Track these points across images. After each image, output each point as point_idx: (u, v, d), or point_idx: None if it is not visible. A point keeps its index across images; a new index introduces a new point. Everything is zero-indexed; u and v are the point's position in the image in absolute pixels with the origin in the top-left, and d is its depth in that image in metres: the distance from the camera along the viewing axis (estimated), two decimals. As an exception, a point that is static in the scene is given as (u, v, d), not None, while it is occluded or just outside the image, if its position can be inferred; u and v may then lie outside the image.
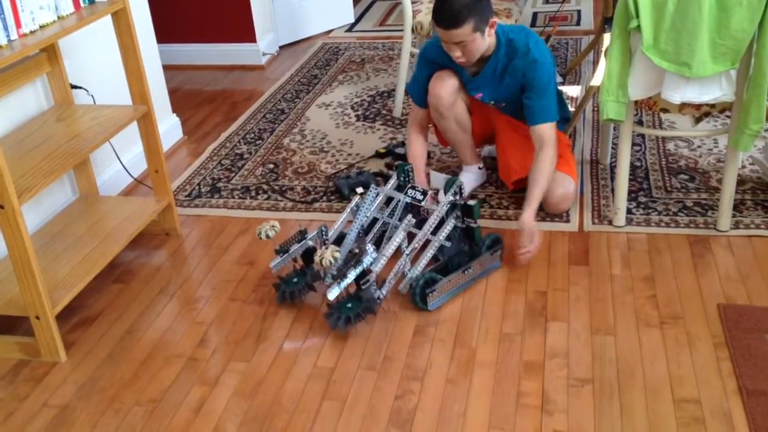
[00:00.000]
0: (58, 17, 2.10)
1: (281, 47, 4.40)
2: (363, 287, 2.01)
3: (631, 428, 1.66)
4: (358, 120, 3.37)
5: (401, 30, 3.25)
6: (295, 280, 2.17)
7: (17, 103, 2.31)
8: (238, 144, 3.22)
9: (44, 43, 1.97)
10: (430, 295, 2.07)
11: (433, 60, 2.49)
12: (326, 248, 2.03)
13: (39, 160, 2.05)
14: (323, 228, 2.19)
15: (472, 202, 2.16)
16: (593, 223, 2.46)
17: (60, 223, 2.41)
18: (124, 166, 2.75)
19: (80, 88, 2.48)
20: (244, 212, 2.70)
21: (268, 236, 2.16)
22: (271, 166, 3.01)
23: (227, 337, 2.06)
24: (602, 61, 2.79)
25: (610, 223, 2.44)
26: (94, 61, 2.67)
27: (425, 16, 3.07)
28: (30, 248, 1.89)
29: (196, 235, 2.60)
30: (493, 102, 2.49)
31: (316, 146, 3.15)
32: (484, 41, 2.28)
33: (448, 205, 2.19)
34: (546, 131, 2.32)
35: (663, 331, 1.94)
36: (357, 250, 2.06)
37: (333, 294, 1.98)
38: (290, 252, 2.19)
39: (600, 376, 1.81)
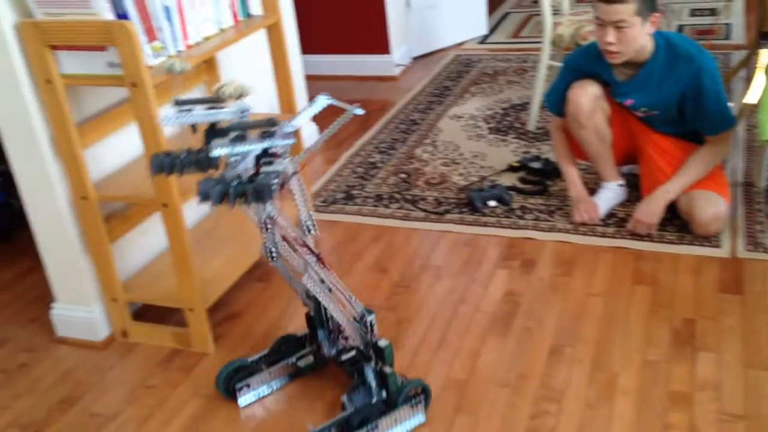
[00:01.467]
0: (220, 30, 2.25)
1: (414, 59, 4.48)
2: (262, 171, 1.52)
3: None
4: (490, 132, 3.37)
5: (536, 42, 3.24)
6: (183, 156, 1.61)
7: (179, 109, 2.49)
8: (371, 153, 3.31)
9: (208, 54, 2.12)
10: None
11: (577, 68, 2.47)
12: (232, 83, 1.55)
13: (199, 164, 2.20)
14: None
15: (382, 343, 1.74)
16: (747, 249, 2.33)
17: (211, 222, 2.57)
18: (267, 170, 2.90)
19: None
20: (378, 220, 2.77)
21: (173, 69, 1.73)
22: (404, 175, 3.08)
23: (362, 341, 2.13)
24: (758, 77, 2.66)
25: (766, 250, 2.32)
26: (244, 72, 2.83)
27: (566, 29, 3.04)
28: (188, 246, 2.03)
29: (331, 241, 2.69)
30: (644, 109, 2.43)
31: (448, 158, 3.18)
32: (642, 33, 2.23)
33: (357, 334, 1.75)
34: (722, 139, 2.32)
35: (822, 369, 1.83)
36: (275, 120, 1.55)
37: (217, 152, 1.51)
38: (192, 112, 1.58)
39: (756, 413, 1.72)
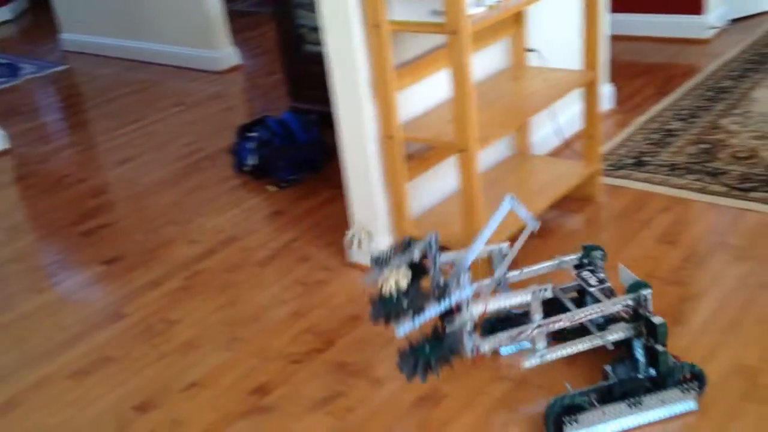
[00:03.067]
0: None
1: (732, 21, 4.06)
2: (446, 328, 1.60)
3: None
4: (818, 107, 2.97)
5: None
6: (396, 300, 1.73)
7: (485, 59, 2.55)
8: (669, 119, 3.10)
9: (522, 6, 2.14)
10: (569, 425, 1.62)
11: None
12: (395, 270, 1.59)
13: (496, 113, 2.26)
14: (433, 237, 1.73)
15: (657, 320, 1.66)
16: None
17: (496, 174, 2.63)
18: (558, 129, 2.87)
19: (535, 50, 2.64)
20: (669, 190, 2.61)
21: (359, 245, 1.82)
22: (705, 146, 2.84)
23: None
24: None
25: None
26: (546, 27, 2.81)
27: None
28: (479, 192, 2.11)
29: (615, 206, 2.60)
30: None
31: (761, 131, 2.86)
32: None
33: (624, 305, 1.71)
34: None
35: None
36: (449, 280, 1.62)
37: (402, 331, 1.57)
38: (389, 266, 1.72)
39: None
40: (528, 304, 1.71)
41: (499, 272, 1.78)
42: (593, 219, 2.56)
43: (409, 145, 2.32)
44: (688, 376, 1.68)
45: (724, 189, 2.54)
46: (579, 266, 1.93)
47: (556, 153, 2.99)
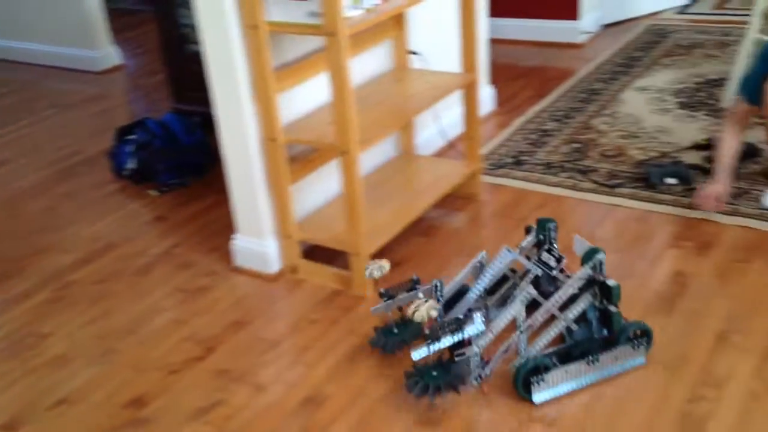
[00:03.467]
0: (409, -13, 2.28)
1: (604, 26, 4.28)
2: (456, 359, 1.79)
3: None
4: (679, 107, 3.17)
5: (743, 15, 2.98)
6: (395, 331, 1.98)
7: (366, 62, 2.57)
8: (546, 120, 3.24)
9: (400, 9, 2.17)
10: (536, 384, 1.75)
11: None
12: (425, 301, 1.79)
13: (378, 115, 2.28)
14: (438, 283, 1.96)
15: (611, 283, 1.81)
16: None
17: (381, 175, 2.66)
18: (440, 129, 2.93)
19: (417, 53, 2.69)
20: (544, 187, 2.73)
21: (372, 276, 2.01)
22: (577, 145, 2.99)
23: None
24: None
25: None
26: (428, 30, 2.87)
27: (779, 1, 2.77)
28: (361, 194, 2.13)
29: (495, 204, 2.69)
30: None
31: (628, 130, 3.04)
32: None
33: (584, 280, 1.84)
34: None
35: None
36: (462, 316, 1.83)
37: (418, 355, 1.74)
38: (395, 300, 1.97)
39: None
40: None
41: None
42: (475, 216, 2.63)
43: (292, 147, 2.31)
44: (638, 333, 1.83)
45: (593, 186, 2.69)
46: (538, 244, 2.03)
47: (441, 153, 3.05)
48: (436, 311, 1.78)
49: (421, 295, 1.93)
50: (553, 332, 1.82)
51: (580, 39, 4.08)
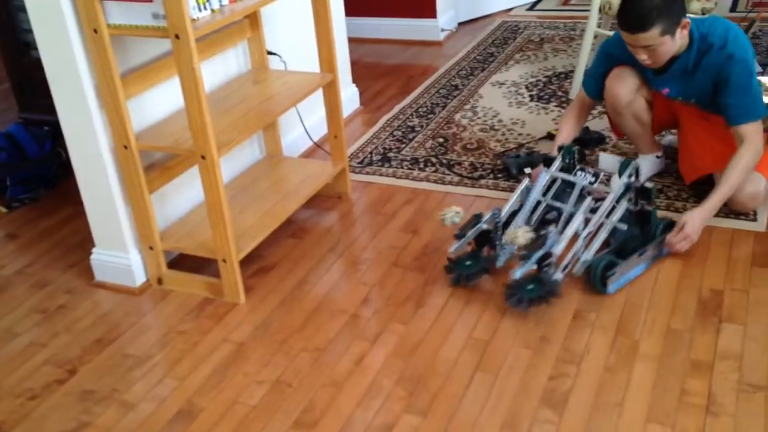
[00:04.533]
0: (263, -14, 2.26)
1: (460, 24, 4.43)
2: (544, 269, 2.02)
3: (805, 445, 1.56)
4: (531, 100, 3.34)
5: (586, 10, 3.17)
6: (468, 263, 2.19)
7: (222, 64, 2.52)
8: (410, 117, 3.31)
9: (250, 10, 2.14)
10: (610, 278, 2.05)
11: (614, 56, 2.41)
12: (519, 228, 2.07)
13: (237, 118, 2.24)
14: (496, 210, 2.21)
15: (649, 185, 2.15)
16: (784, 224, 2.29)
17: (247, 179, 2.61)
18: (306, 130, 2.93)
19: (275, 54, 2.66)
20: (412, 183, 2.79)
21: (453, 222, 2.18)
22: (441, 140, 3.07)
23: (388, 300, 2.16)
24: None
25: (804, 225, 2.27)
26: (287, 30, 2.85)
27: (614, -3, 2.98)
28: (224, 198, 2.08)
29: (365, 201, 2.72)
30: (681, 98, 2.37)
31: (487, 124, 3.16)
32: (675, 43, 2.14)
33: (624, 188, 2.15)
34: (748, 131, 2.17)
35: None
36: (541, 233, 2.10)
37: (519, 273, 2.00)
38: (467, 235, 2.19)
39: (776, 385, 1.72)
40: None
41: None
42: (346, 215, 2.65)
43: (150, 154, 2.22)
44: (668, 224, 2.18)
45: (457, 179, 2.77)
46: (566, 169, 2.29)
47: (308, 154, 3.05)
48: (531, 233, 2.04)
49: (485, 225, 2.18)
50: (602, 236, 2.13)
51: (439, 36, 4.20)
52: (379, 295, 2.19)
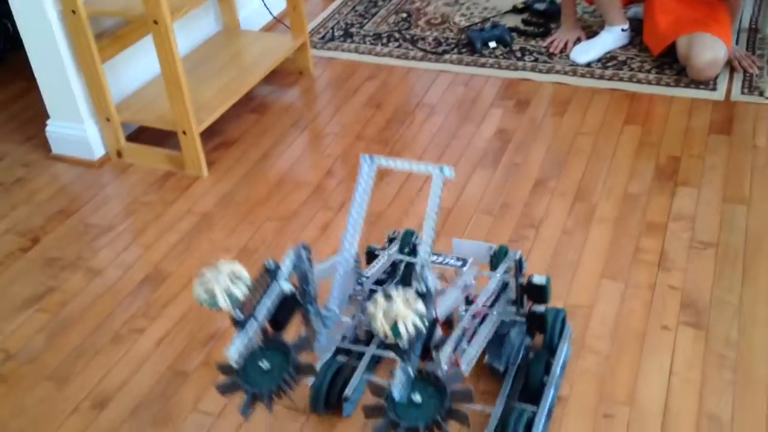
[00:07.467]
0: None
1: None
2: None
3: (752, 294, 1.65)
4: (496, -26, 3.25)
5: None
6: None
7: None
8: (373, -9, 3.21)
9: None
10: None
11: None
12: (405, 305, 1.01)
13: (191, -18, 2.14)
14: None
15: (540, 280, 1.41)
16: (742, 93, 2.33)
17: (204, 52, 2.53)
18: (264, 2, 2.82)
19: None
20: (375, 58, 2.74)
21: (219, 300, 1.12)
22: (404, 15, 3.00)
23: (352, 171, 2.16)
24: None
25: (761, 94, 2.31)
26: None
27: None
28: (180, 66, 2.02)
29: (327, 77, 2.67)
30: None
31: (452, -2, 3.09)
32: None
33: (500, 286, 1.41)
34: None
35: (798, 208, 1.88)
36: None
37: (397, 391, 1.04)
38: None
39: (726, 241, 1.79)
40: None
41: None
42: (308, 90, 2.61)
43: (102, 21, 2.13)
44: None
45: (421, 54, 2.73)
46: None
47: (267, 29, 2.95)
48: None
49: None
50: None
51: None
52: (343, 166, 2.19)
